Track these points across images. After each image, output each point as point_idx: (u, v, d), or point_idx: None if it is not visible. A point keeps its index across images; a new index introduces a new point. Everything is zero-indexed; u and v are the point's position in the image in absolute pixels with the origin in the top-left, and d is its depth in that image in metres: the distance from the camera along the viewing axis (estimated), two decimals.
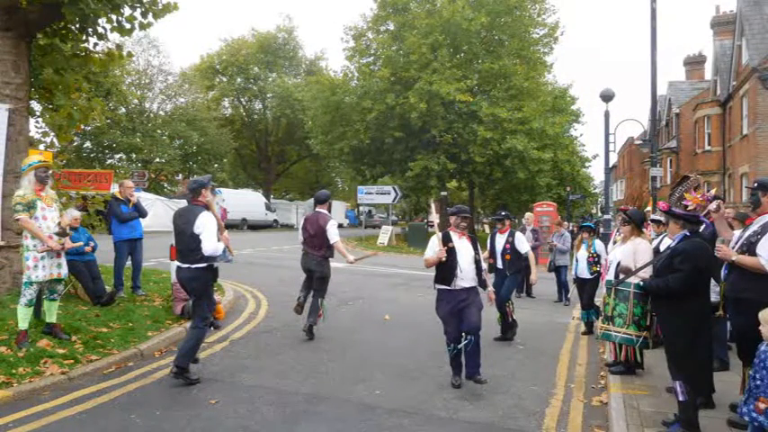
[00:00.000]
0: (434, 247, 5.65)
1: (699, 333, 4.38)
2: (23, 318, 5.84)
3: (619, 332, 5.54)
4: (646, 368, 6.12)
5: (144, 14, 8.70)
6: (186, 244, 5.43)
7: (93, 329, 6.72)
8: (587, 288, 8.54)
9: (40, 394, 5.01)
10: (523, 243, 8.07)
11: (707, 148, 26.71)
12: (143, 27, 8.86)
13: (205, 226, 5.31)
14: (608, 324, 5.67)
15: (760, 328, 3.49)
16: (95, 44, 9.38)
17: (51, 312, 6.24)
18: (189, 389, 5.35)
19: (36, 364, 5.45)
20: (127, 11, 8.59)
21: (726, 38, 26.34)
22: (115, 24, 8.73)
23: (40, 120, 10.60)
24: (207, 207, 5.50)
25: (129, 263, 9.19)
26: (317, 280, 7.67)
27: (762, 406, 3.29)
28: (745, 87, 21.90)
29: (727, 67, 25.37)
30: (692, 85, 33.69)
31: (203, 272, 5.47)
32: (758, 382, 3.32)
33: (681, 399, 4.32)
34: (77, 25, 8.76)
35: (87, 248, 7.91)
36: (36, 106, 10.11)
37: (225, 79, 44.74)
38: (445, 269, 5.62)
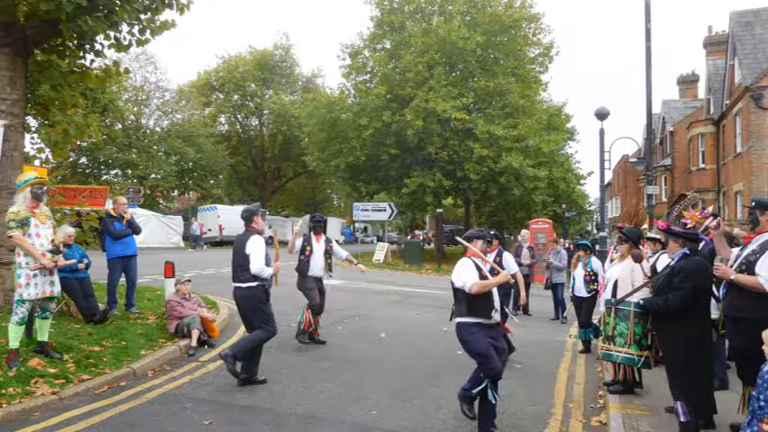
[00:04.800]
0: (471, 272, 4.82)
1: (699, 353, 4.34)
2: (14, 336, 5.75)
3: (620, 352, 5.48)
4: (645, 387, 6.06)
5: (142, 31, 8.73)
6: (239, 263, 6.03)
7: (86, 348, 6.62)
8: (584, 306, 8.50)
9: (30, 415, 4.91)
10: (511, 263, 7.95)
11: (701, 165, 26.86)
12: (140, 43, 8.88)
13: (254, 248, 5.96)
14: (609, 344, 5.61)
15: (763, 347, 3.44)
16: (92, 60, 9.39)
17: (43, 331, 6.15)
18: (183, 410, 5.26)
19: (27, 383, 5.36)
20: (125, 28, 8.62)
21: (718, 57, 26.64)
22: (113, 41, 8.75)
23: (35, 135, 10.59)
24: (259, 233, 6.14)
25: (123, 280, 9.10)
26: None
27: (766, 428, 3.24)
28: (739, 106, 22.10)
29: (720, 87, 25.62)
30: (685, 104, 33.97)
31: (254, 290, 6.00)
32: (762, 404, 3.26)
33: (682, 419, 4.27)
34: (75, 42, 8.77)
35: (81, 265, 7.83)
36: (32, 122, 10.10)
37: (222, 96, 44.90)
38: (483, 300, 4.83)
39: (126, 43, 8.82)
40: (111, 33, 8.60)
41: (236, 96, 44.57)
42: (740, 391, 4.59)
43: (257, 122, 47.24)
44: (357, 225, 55.24)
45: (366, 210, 31.41)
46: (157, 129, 37.92)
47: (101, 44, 8.89)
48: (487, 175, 24.92)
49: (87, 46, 8.88)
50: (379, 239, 40.05)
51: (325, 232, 8.64)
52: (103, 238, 9.03)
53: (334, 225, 45.75)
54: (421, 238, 45.21)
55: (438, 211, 28.07)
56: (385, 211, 30.42)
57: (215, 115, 45.63)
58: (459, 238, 5.32)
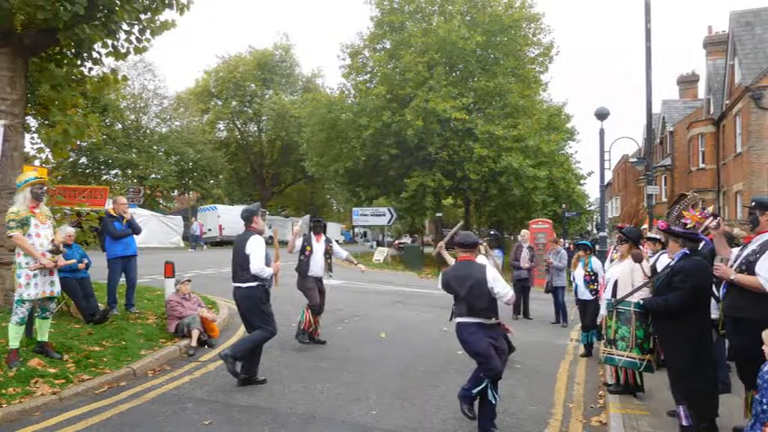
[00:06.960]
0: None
1: (700, 354, 4.33)
2: (14, 336, 5.75)
3: (622, 356, 5.47)
4: (646, 390, 6.04)
5: (142, 32, 8.72)
6: (238, 263, 6.03)
7: (86, 348, 6.62)
8: (589, 309, 8.39)
9: (30, 415, 4.90)
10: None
11: (701, 165, 26.85)
12: (138, 51, 8.88)
13: (254, 248, 5.95)
14: (611, 348, 5.60)
15: (763, 347, 3.43)
16: (90, 68, 9.38)
17: (43, 331, 6.15)
18: (183, 410, 5.25)
19: (26, 383, 5.35)
20: (122, 35, 8.62)
21: (718, 57, 26.63)
22: (110, 49, 8.74)
23: (35, 135, 10.58)
24: (259, 233, 6.14)
25: (123, 280, 9.09)
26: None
27: None
28: (739, 106, 22.09)
29: (720, 87, 25.60)
30: (685, 104, 33.95)
31: (254, 290, 6.00)
32: (764, 407, 3.23)
33: (684, 423, 4.25)
34: (73, 50, 8.76)
35: (81, 265, 7.83)
36: (32, 122, 10.08)
37: (220, 102, 44.90)
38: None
39: (124, 51, 8.83)
40: (109, 42, 8.61)
41: (234, 102, 44.57)
42: (743, 395, 4.58)
43: (256, 128, 47.23)
44: (357, 230, 55.26)
45: (365, 214, 31.41)
46: (156, 132, 37.87)
47: (98, 52, 8.89)
48: (487, 176, 24.93)
49: (85, 54, 8.87)
50: (379, 244, 39.94)
51: (324, 233, 8.65)
52: (103, 238, 9.02)
53: (334, 230, 45.67)
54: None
55: (437, 215, 28.07)
56: (384, 215, 30.42)
57: (213, 122, 45.62)
58: (443, 252, 5.48)
